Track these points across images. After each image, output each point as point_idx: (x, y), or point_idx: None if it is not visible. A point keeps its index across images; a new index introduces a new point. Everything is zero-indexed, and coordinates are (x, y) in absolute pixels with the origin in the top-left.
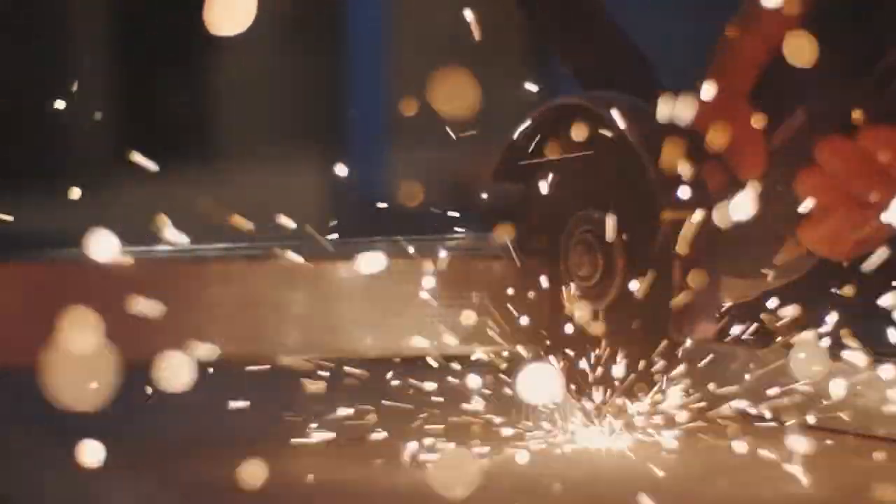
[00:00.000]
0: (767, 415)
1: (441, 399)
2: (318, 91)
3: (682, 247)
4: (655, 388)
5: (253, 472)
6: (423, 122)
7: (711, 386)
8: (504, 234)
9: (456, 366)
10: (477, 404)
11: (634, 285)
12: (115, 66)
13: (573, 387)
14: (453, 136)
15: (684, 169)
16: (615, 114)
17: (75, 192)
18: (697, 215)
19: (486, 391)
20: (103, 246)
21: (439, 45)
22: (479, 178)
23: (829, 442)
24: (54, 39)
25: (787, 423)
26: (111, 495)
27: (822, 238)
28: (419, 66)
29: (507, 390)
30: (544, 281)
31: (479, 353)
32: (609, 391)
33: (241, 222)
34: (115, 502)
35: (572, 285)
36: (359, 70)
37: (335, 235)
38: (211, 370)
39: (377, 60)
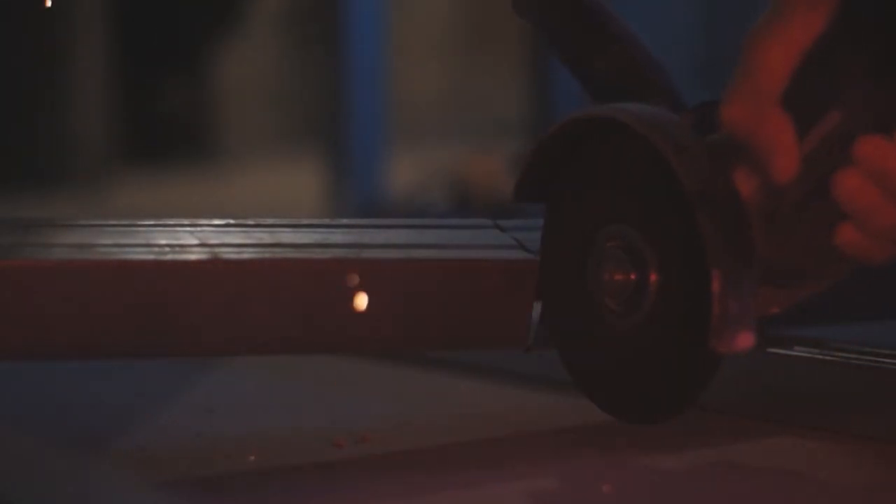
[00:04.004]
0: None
1: None
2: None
3: (721, 260)
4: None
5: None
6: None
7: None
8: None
9: None
10: None
11: (669, 299)
12: (115, 65)
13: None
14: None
15: (717, 179)
16: (643, 124)
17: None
18: (733, 223)
19: None
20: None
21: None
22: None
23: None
24: (54, 39)
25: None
26: (111, 495)
27: (862, 242)
28: (419, 65)
29: None
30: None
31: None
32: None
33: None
34: (116, 502)
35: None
36: (359, 70)
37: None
38: None
39: (377, 60)
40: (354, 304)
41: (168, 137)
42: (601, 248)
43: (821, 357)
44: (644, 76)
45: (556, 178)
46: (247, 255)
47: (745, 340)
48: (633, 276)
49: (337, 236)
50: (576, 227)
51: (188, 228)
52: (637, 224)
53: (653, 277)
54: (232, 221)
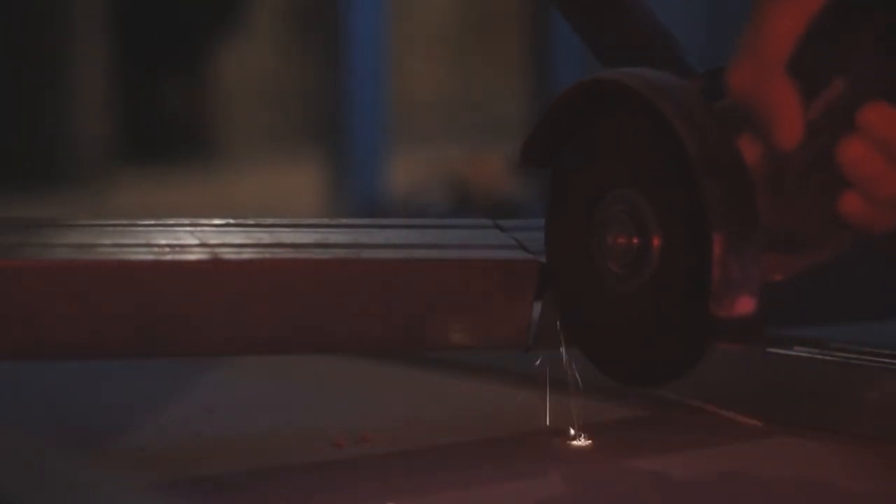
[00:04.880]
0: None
1: None
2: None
3: (723, 224)
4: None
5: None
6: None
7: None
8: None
9: None
10: None
11: (671, 263)
12: (116, 65)
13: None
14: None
15: (722, 145)
16: (650, 89)
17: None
18: (737, 189)
19: None
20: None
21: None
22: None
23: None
24: (54, 39)
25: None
26: (111, 495)
27: (865, 211)
28: (419, 65)
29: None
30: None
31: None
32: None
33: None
34: (116, 502)
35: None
36: (359, 70)
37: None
38: None
39: (377, 60)
40: (354, 305)
41: (168, 137)
42: (605, 212)
43: (821, 357)
44: (654, 44)
45: (564, 142)
46: (247, 255)
47: (746, 305)
48: (635, 241)
49: (337, 236)
50: (581, 190)
51: (188, 228)
52: (641, 189)
53: (655, 242)
54: (232, 221)
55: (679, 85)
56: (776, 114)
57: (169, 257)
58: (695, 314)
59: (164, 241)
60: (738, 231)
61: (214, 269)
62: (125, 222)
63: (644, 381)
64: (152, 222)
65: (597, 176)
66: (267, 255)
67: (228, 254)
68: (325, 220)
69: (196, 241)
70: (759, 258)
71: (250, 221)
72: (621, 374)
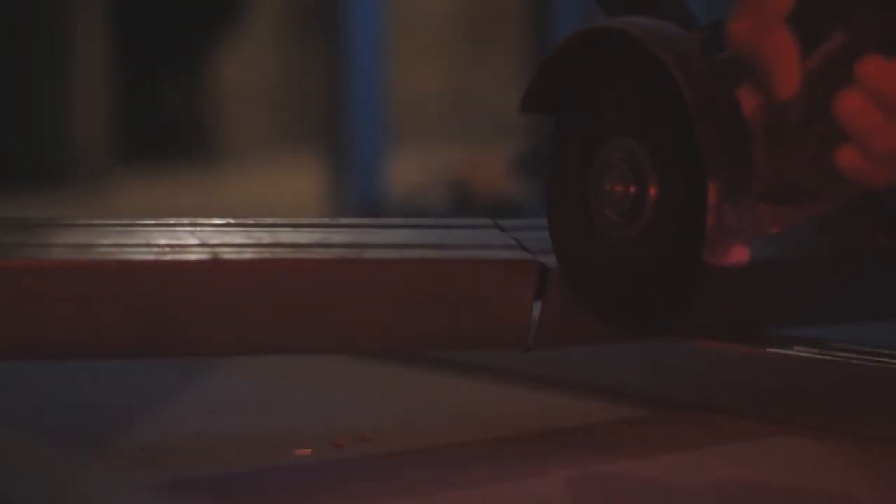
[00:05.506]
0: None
1: None
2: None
3: (718, 172)
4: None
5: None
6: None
7: None
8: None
9: None
10: None
11: (667, 211)
12: (116, 65)
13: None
14: None
15: (720, 94)
16: (651, 37)
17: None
18: (733, 138)
19: None
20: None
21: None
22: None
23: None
24: (54, 39)
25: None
26: (111, 495)
27: (862, 164)
28: (419, 65)
29: None
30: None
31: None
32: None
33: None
34: (116, 502)
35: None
36: (359, 70)
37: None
38: None
39: (377, 60)
40: (354, 305)
41: (168, 137)
42: (604, 159)
43: (821, 357)
44: None
45: (564, 90)
46: (247, 255)
47: (740, 254)
48: (632, 189)
49: (337, 236)
50: (581, 138)
51: (188, 228)
52: (640, 137)
53: (652, 190)
54: (232, 221)
55: (680, 35)
56: (774, 63)
57: (169, 257)
58: (689, 262)
59: (164, 241)
60: (734, 179)
61: (214, 269)
62: (125, 222)
63: (637, 328)
64: (152, 222)
65: (596, 124)
66: (267, 255)
67: (228, 254)
68: (325, 220)
69: (196, 241)
70: (755, 207)
71: (250, 221)
72: (615, 321)
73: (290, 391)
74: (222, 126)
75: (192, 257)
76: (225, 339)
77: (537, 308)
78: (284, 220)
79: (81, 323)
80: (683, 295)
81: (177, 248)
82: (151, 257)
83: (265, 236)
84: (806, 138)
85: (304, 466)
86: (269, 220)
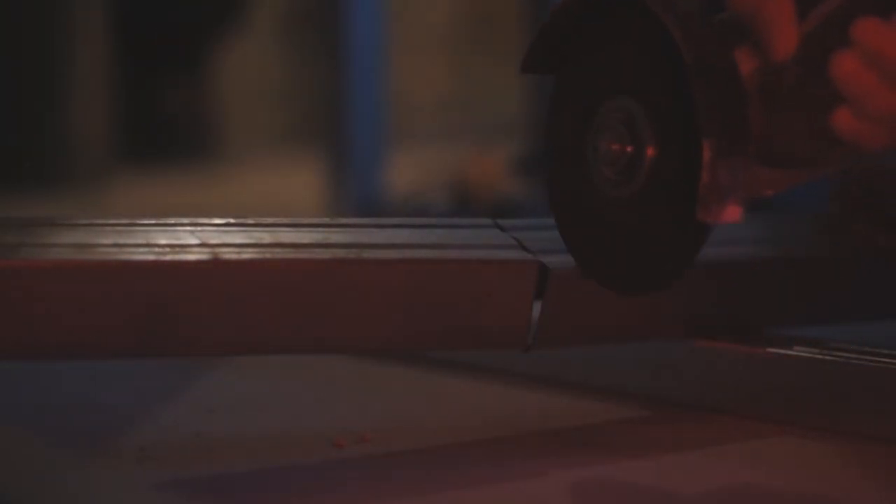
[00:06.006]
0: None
1: None
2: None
3: (713, 130)
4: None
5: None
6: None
7: None
8: None
9: None
10: None
11: (663, 169)
12: (116, 65)
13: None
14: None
15: (718, 54)
16: None
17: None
18: (730, 96)
19: None
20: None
21: (439, 45)
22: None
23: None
24: (54, 38)
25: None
26: (111, 495)
27: (858, 126)
28: (419, 65)
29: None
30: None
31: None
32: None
33: None
34: (116, 502)
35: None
36: (359, 70)
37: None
38: None
39: (377, 61)
40: (354, 305)
41: (168, 137)
42: (602, 118)
43: (821, 357)
44: None
45: (565, 49)
46: (247, 255)
47: (732, 213)
48: (629, 147)
49: (337, 236)
50: (580, 97)
51: (188, 228)
52: (638, 96)
53: (649, 150)
54: (232, 221)
55: None
56: (772, 25)
57: (169, 257)
58: (683, 221)
59: (164, 241)
60: (729, 137)
61: (214, 269)
62: (125, 222)
63: (631, 287)
64: (152, 222)
65: (595, 83)
66: (267, 255)
67: (228, 254)
68: (326, 220)
69: (196, 241)
70: (749, 167)
71: (250, 221)
72: (610, 280)
73: (290, 391)
74: (222, 126)
75: (192, 257)
76: (225, 339)
77: (537, 308)
78: (284, 220)
79: (81, 323)
80: (679, 253)
81: (177, 248)
82: (151, 257)
83: (265, 236)
84: (802, 100)
85: (304, 466)
86: (269, 220)
